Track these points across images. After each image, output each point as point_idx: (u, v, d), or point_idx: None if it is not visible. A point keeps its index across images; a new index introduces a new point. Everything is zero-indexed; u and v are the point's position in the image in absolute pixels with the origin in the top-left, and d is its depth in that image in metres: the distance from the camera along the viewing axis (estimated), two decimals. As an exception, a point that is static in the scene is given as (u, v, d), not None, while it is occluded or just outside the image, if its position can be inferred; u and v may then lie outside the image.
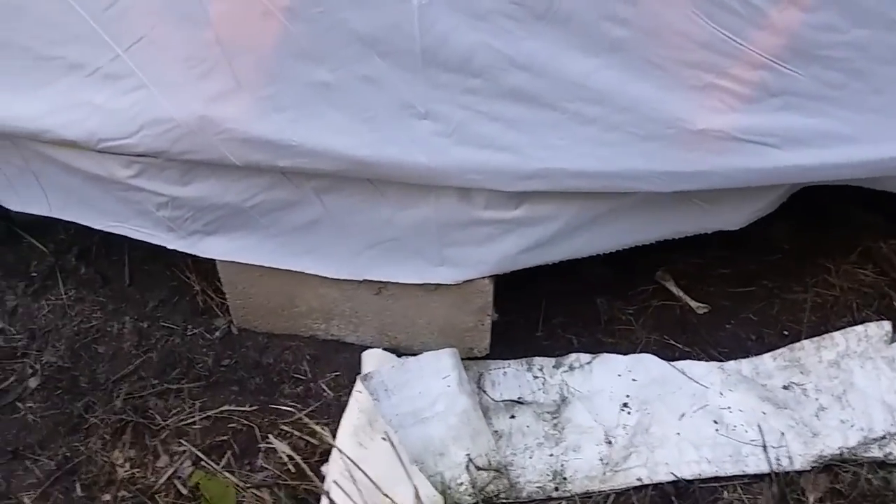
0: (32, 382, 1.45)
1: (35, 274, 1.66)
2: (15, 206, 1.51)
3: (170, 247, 1.42)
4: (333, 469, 1.23)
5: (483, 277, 1.35)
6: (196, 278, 1.63)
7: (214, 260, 1.42)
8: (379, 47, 1.07)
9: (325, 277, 1.39)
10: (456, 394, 1.35)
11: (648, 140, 1.12)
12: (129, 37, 1.12)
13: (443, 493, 1.21)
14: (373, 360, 1.45)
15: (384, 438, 1.26)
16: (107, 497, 1.28)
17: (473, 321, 1.43)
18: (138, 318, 1.57)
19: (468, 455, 1.30)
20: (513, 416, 1.41)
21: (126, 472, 1.31)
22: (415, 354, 1.47)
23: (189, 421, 1.39)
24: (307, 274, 1.40)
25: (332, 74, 1.10)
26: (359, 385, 1.31)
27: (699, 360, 1.46)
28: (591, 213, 1.26)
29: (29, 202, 1.49)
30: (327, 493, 1.18)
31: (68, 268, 1.68)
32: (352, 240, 1.33)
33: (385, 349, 1.49)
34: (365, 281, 1.39)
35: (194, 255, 1.41)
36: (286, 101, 1.13)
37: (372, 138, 1.14)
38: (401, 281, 1.36)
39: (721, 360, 1.46)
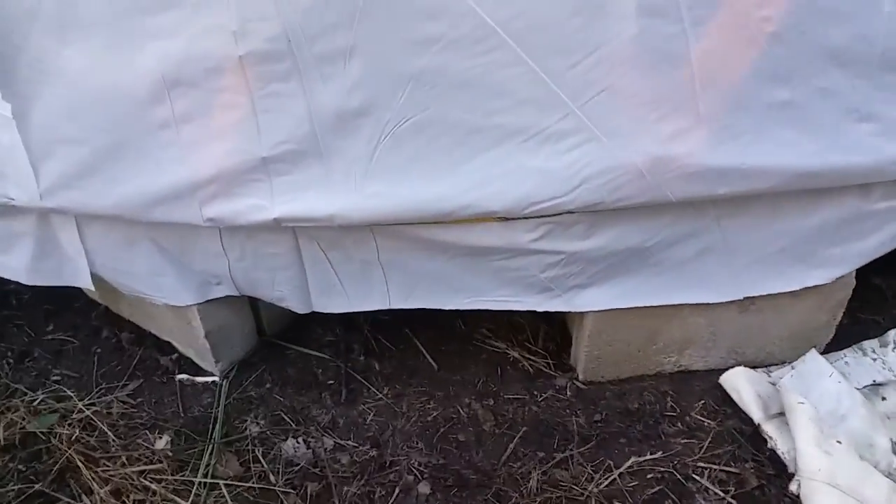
0: (423, 488, 1.33)
1: (331, 382, 1.54)
2: (336, 307, 1.41)
3: (540, 309, 1.37)
4: (816, 487, 1.23)
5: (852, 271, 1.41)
6: (506, 346, 1.58)
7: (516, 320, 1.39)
8: (841, 58, 1.12)
9: (697, 305, 1.40)
10: (849, 388, 1.39)
11: None
12: (589, 91, 1.10)
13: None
14: (741, 379, 1.46)
15: (838, 441, 1.28)
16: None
17: (827, 318, 1.48)
18: (476, 398, 1.49)
19: (892, 440, 1.34)
20: (884, 398, 1.47)
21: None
22: (762, 367, 1.49)
23: (607, 483, 1.33)
24: (676, 306, 1.39)
25: (791, 92, 1.13)
26: (798, 397, 1.32)
27: None
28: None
29: (360, 301, 1.39)
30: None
31: (361, 367, 1.56)
32: (736, 261, 1.34)
33: (728, 368, 1.50)
34: (733, 300, 1.40)
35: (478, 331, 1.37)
36: (743, 127, 1.14)
37: (816, 148, 1.18)
38: (779, 291, 1.39)
39: None
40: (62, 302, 1.77)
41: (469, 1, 1.03)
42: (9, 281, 1.47)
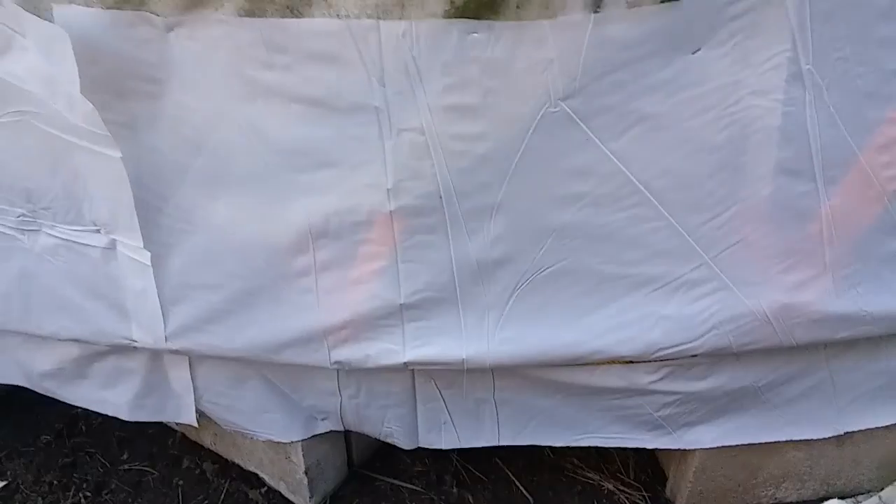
0: None
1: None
2: (444, 443, 1.42)
3: (650, 446, 1.38)
4: None
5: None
6: (599, 477, 1.58)
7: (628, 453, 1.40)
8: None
9: (798, 441, 1.42)
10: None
11: None
12: (723, 244, 1.15)
13: None
14: (839, 511, 1.47)
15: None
16: None
17: (918, 448, 1.51)
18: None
19: None
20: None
21: None
22: (850, 496, 1.52)
23: None
24: (780, 442, 1.41)
25: (905, 242, 1.19)
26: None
27: None
28: None
29: (469, 437, 1.40)
30: None
31: (455, 500, 1.55)
32: (840, 397, 1.38)
33: (820, 499, 1.52)
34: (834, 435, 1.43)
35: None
36: (863, 276, 1.20)
37: (928, 293, 1.23)
38: (881, 425, 1.42)
39: None
40: (135, 428, 1.73)
41: (617, 162, 1.08)
42: (75, 406, 1.45)
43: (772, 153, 1.09)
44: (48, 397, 1.51)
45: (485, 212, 1.13)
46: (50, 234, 1.26)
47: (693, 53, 1.02)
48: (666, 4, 0.98)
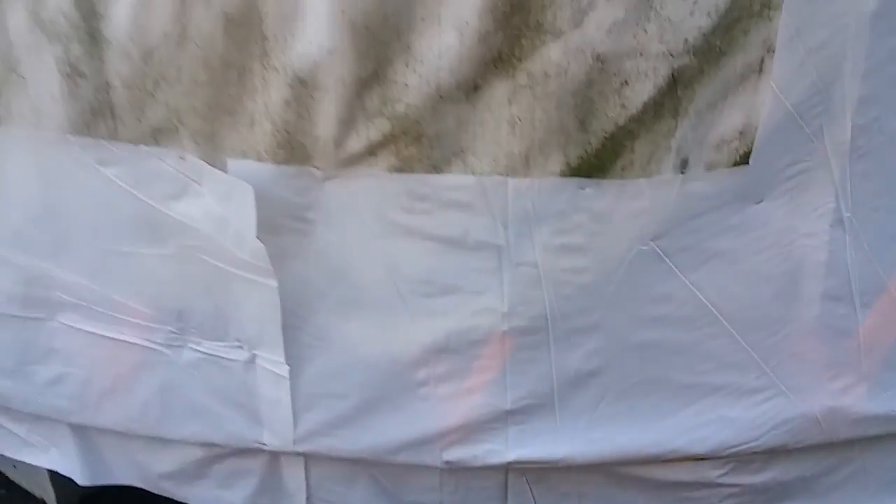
0: None
1: None
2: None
3: (711, 535, 1.56)
4: None
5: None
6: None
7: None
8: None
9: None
10: None
11: None
12: (780, 356, 1.37)
13: None
14: None
15: None
16: None
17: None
18: None
19: None
20: None
21: None
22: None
23: None
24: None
25: (927, 354, 1.43)
26: None
27: None
28: None
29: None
30: None
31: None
32: (872, 484, 1.58)
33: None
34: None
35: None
36: (891, 383, 1.43)
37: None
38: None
39: None
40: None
41: (694, 290, 1.31)
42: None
43: (819, 283, 1.33)
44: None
45: (583, 331, 1.34)
46: (195, 350, 1.44)
47: (757, 204, 1.27)
48: (737, 168, 1.23)
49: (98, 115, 1.26)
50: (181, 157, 1.27)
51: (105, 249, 1.38)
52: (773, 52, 1.13)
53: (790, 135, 1.21)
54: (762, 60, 1.14)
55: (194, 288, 1.39)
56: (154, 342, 1.45)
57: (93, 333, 1.47)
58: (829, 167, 1.25)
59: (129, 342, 1.46)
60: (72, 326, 1.48)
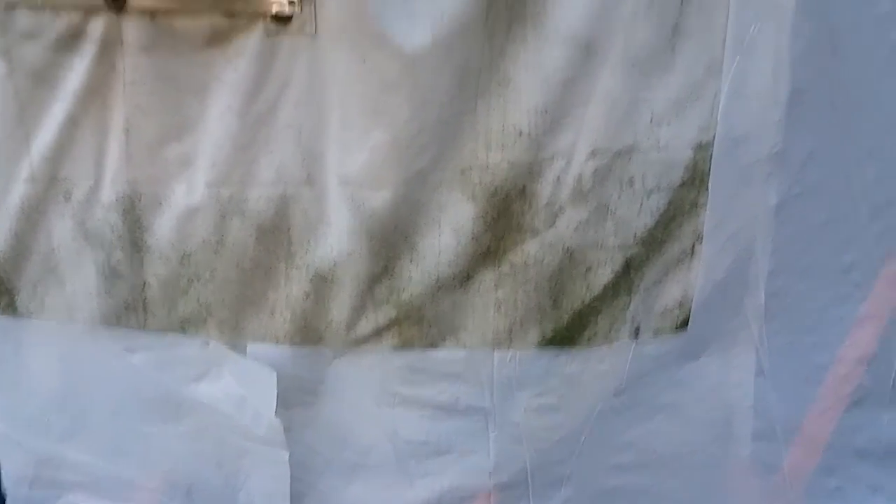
0: None
1: None
2: None
3: None
4: None
5: None
6: None
7: None
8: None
9: None
10: None
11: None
12: (720, 491, 1.60)
13: None
14: None
15: None
16: None
17: None
18: None
19: None
20: None
21: None
22: None
23: None
24: None
25: (837, 481, 1.69)
26: None
27: None
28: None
29: None
30: None
31: None
32: None
33: None
34: None
35: None
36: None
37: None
38: None
39: None
40: None
41: (649, 436, 1.54)
42: None
43: (748, 425, 1.57)
44: None
45: (558, 482, 1.52)
46: (201, 520, 1.53)
47: (696, 360, 1.52)
48: (678, 331, 1.50)
49: (130, 309, 1.40)
50: (206, 343, 1.42)
51: (121, 429, 1.48)
52: (702, 239, 1.41)
53: (718, 303, 1.48)
54: (693, 246, 1.41)
55: (206, 463, 1.49)
56: (161, 516, 1.53)
57: (97, 511, 1.54)
58: (749, 327, 1.52)
59: (134, 519, 1.54)
60: (76, 505, 1.54)
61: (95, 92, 1.24)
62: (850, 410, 1.63)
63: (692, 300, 1.45)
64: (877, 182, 1.44)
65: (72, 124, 1.27)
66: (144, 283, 1.37)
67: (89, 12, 1.19)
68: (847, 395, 1.61)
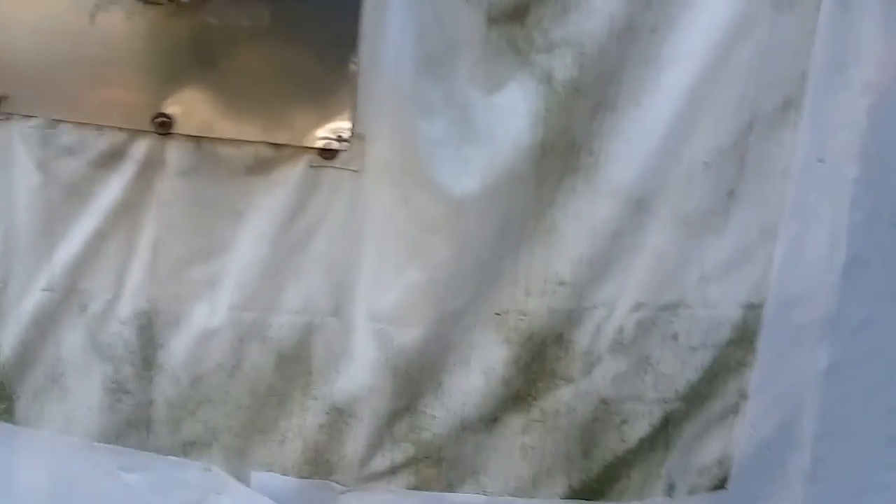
0: None
1: None
2: None
3: None
4: None
5: None
6: None
7: None
8: None
9: None
10: None
11: None
12: None
13: None
14: None
15: None
16: None
17: None
18: None
19: None
20: None
21: None
22: None
23: None
24: None
25: None
26: None
27: None
28: None
29: None
30: None
31: None
32: None
33: None
34: None
35: None
36: None
37: None
38: None
39: None
40: None
41: None
42: None
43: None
44: None
45: None
46: None
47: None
48: (716, 491, 1.40)
49: (132, 427, 1.32)
50: (207, 469, 1.34)
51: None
52: (747, 398, 1.33)
53: (760, 464, 1.39)
54: (737, 404, 1.34)
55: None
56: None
57: None
58: (792, 490, 1.43)
59: None
60: None
61: (128, 209, 1.20)
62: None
63: (733, 459, 1.37)
64: (929, 352, 1.40)
65: (98, 238, 1.21)
66: (151, 401, 1.30)
67: (135, 134, 1.16)
68: (891, 565, 1.51)
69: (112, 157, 1.18)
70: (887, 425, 1.44)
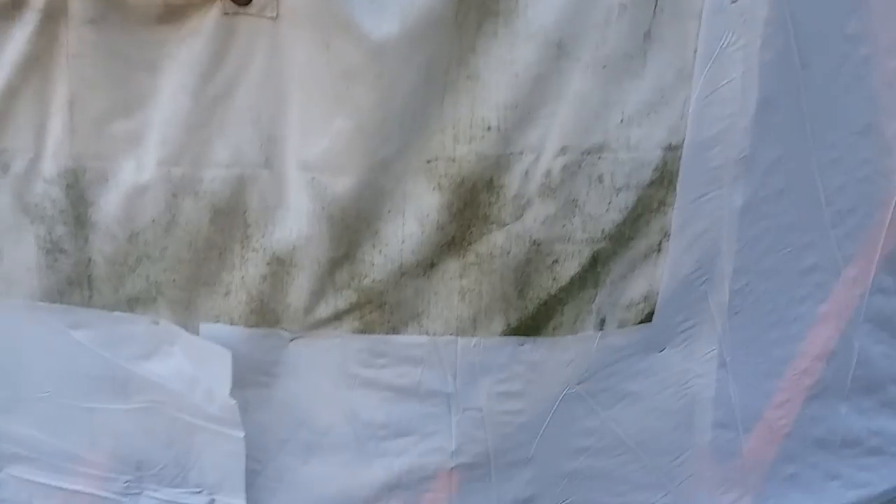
0: None
1: None
2: None
3: None
4: None
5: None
6: None
7: None
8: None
9: None
10: None
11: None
12: (681, 477, 1.61)
13: None
14: None
15: None
16: None
17: None
18: None
19: None
20: None
21: None
22: None
23: None
24: None
25: (795, 467, 1.72)
26: None
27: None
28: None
29: None
30: None
31: None
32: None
33: None
34: None
35: None
36: (770, 493, 1.70)
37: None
38: None
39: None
40: None
41: (612, 424, 1.54)
42: None
43: (709, 414, 1.58)
44: None
45: (520, 464, 1.52)
46: (152, 497, 1.50)
47: (659, 352, 1.51)
48: (643, 324, 1.48)
49: (74, 285, 1.34)
50: (155, 322, 1.37)
51: (64, 404, 1.44)
52: (669, 237, 1.39)
53: (683, 298, 1.46)
54: (660, 243, 1.40)
55: (156, 440, 1.46)
56: (110, 491, 1.51)
57: (45, 485, 1.51)
58: (713, 322, 1.51)
59: (83, 492, 1.51)
60: (21, 478, 1.51)
61: (36, 63, 1.16)
62: (809, 403, 1.65)
63: (658, 294, 1.44)
64: (839, 190, 1.46)
65: (11, 95, 1.18)
66: (90, 259, 1.31)
67: (32, -19, 1.10)
68: (806, 388, 1.63)
69: (12, 6, 1.13)
70: (799, 260, 1.51)
